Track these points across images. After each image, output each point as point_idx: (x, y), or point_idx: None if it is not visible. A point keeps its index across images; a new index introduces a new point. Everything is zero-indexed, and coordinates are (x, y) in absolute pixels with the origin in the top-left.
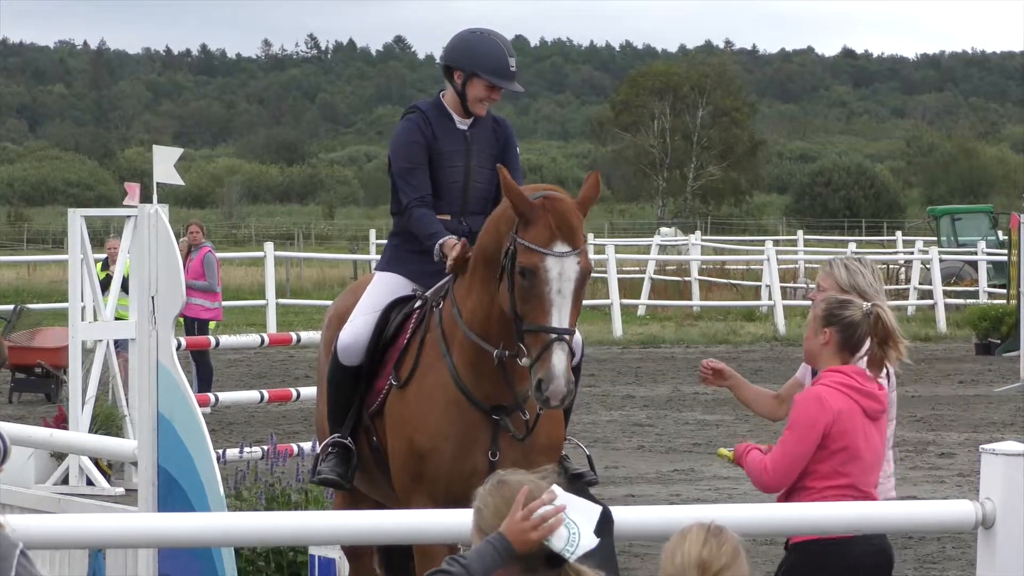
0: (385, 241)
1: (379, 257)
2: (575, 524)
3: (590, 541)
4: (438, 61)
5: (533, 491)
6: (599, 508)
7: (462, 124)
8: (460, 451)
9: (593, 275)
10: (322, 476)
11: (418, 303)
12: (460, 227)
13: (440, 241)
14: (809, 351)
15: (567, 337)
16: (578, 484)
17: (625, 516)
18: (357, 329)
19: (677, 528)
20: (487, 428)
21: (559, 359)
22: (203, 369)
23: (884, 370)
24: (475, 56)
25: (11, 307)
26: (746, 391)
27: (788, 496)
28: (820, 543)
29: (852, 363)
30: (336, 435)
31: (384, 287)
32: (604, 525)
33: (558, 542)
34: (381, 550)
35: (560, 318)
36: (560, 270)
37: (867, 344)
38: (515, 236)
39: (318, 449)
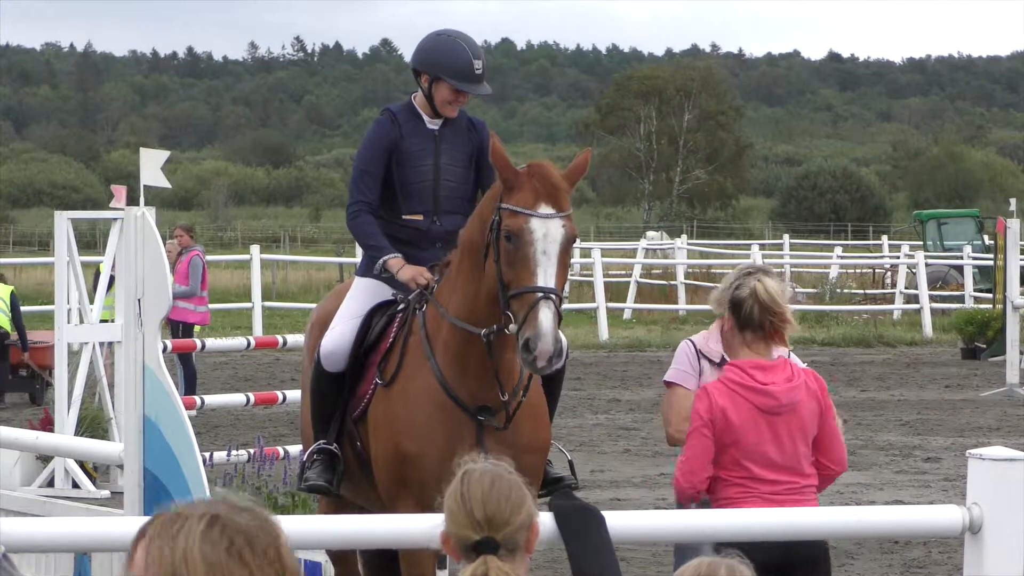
0: None
1: (359, 261)
2: None
3: None
4: (410, 64)
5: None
6: None
7: (431, 124)
8: (446, 454)
9: (579, 279)
10: (310, 483)
11: (400, 307)
12: (433, 226)
13: (384, 258)
14: (723, 342)
15: (554, 296)
16: (559, 488)
17: (611, 520)
18: (339, 335)
19: (663, 533)
20: (472, 429)
21: (546, 316)
22: (186, 371)
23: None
24: (439, 60)
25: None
26: None
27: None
28: None
29: (757, 346)
30: (322, 441)
31: (365, 292)
32: (596, 524)
33: None
34: (365, 553)
35: (545, 278)
36: (545, 231)
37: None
38: (499, 205)
39: (304, 456)
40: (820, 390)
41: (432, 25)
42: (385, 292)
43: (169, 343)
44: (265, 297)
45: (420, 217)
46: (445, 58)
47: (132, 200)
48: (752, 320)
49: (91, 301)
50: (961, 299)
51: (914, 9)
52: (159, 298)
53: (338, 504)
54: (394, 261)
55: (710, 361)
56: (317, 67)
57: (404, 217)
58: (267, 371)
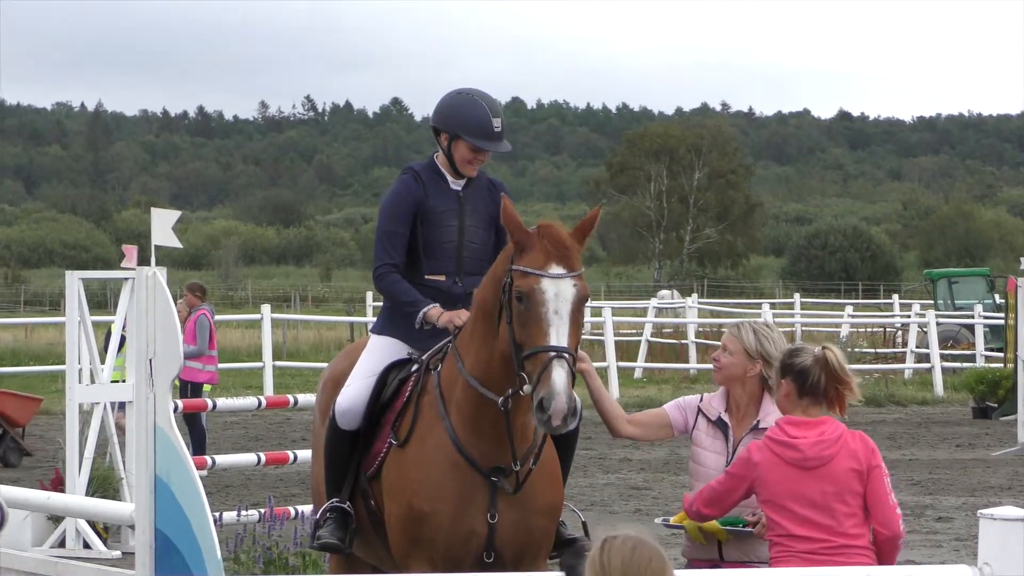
0: (382, 303)
1: (375, 319)
2: None
3: None
4: (430, 122)
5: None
6: None
7: (455, 184)
8: (459, 513)
9: (590, 338)
10: (322, 541)
11: (415, 367)
12: (455, 287)
13: (423, 310)
14: (778, 405)
15: (567, 355)
16: (573, 549)
17: None
18: (355, 393)
19: None
20: (485, 489)
21: (559, 376)
22: (194, 432)
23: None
24: (459, 118)
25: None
26: (600, 394)
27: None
28: None
29: (813, 412)
30: (335, 499)
31: (380, 350)
32: None
33: None
34: None
35: (558, 337)
36: (556, 291)
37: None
38: (511, 267)
39: (316, 515)
40: (864, 451)
41: (442, 84)
42: (401, 351)
43: (180, 403)
44: (276, 357)
45: (442, 278)
46: (464, 116)
47: (143, 260)
48: (817, 388)
49: (102, 361)
50: (972, 358)
51: (924, 68)
52: (170, 358)
53: (349, 563)
54: (433, 312)
55: (707, 419)
56: (327, 126)
57: (427, 277)
58: (278, 431)
